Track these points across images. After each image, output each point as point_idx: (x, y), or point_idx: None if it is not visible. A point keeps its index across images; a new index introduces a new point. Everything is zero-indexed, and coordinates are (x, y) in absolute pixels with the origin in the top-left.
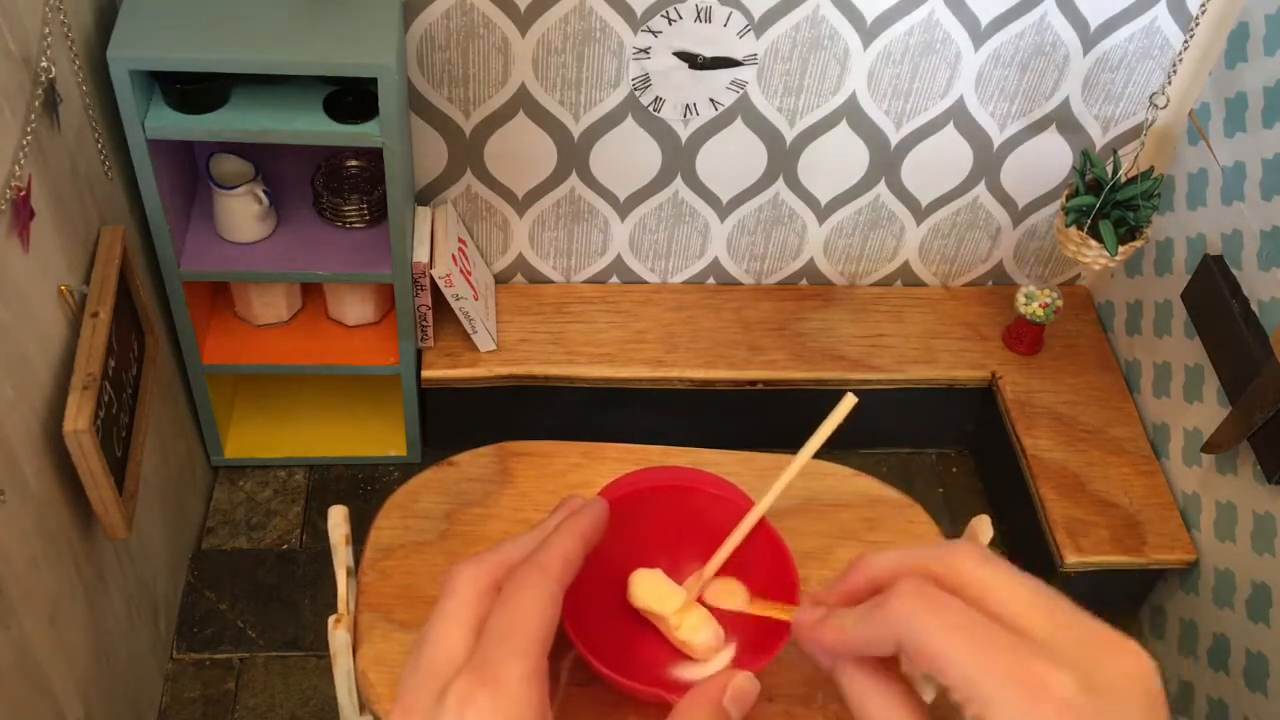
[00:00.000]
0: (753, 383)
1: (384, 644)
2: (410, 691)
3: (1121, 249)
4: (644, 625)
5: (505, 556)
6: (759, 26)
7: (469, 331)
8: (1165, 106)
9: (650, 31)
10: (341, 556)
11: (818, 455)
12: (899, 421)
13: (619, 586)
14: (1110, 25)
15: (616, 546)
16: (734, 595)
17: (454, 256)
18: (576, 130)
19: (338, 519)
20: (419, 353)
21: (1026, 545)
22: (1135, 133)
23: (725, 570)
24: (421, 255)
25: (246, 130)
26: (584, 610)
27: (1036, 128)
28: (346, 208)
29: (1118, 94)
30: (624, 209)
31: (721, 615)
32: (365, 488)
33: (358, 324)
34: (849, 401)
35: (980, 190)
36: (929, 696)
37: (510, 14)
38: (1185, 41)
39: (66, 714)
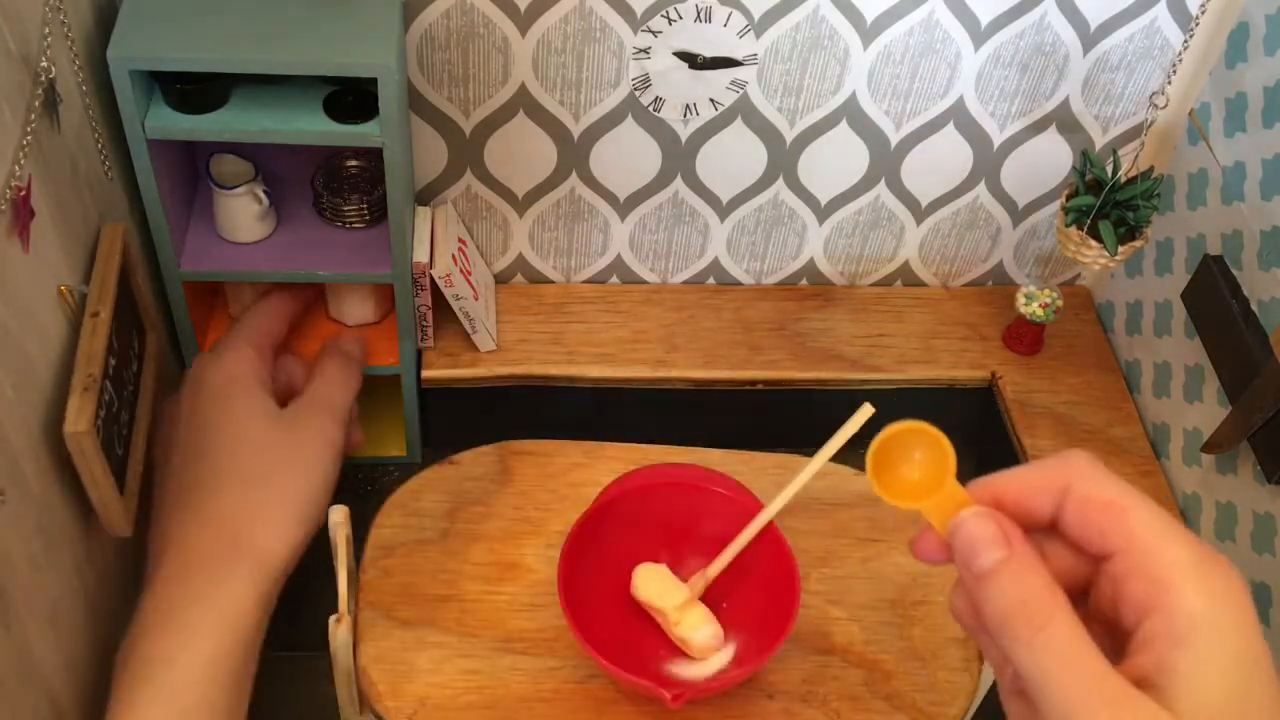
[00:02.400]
0: (753, 383)
1: (385, 642)
2: None
3: (1121, 249)
4: (645, 619)
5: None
6: (759, 26)
7: (469, 331)
8: (1165, 106)
9: (650, 31)
10: (343, 556)
11: (816, 455)
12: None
13: (622, 579)
14: (1110, 25)
15: (623, 540)
16: (701, 628)
17: (454, 256)
18: (576, 130)
19: (339, 519)
20: (419, 353)
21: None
22: (1135, 133)
23: (728, 569)
24: (421, 255)
25: (246, 130)
26: (586, 600)
27: (1036, 128)
28: (346, 208)
29: (1118, 94)
30: (624, 209)
31: (723, 616)
32: (365, 487)
33: (358, 324)
34: (865, 411)
35: (980, 190)
36: None
37: (510, 14)
38: (1185, 41)
39: (66, 714)
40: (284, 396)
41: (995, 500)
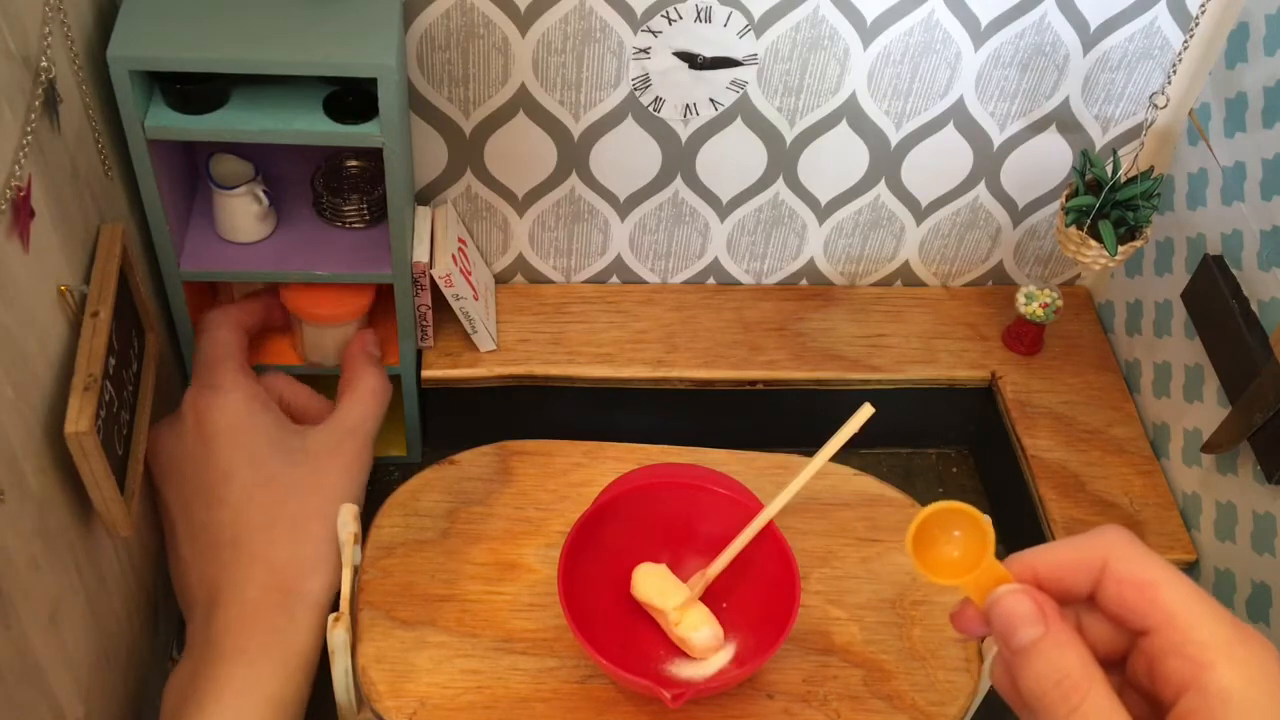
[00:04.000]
0: (753, 383)
1: (384, 642)
2: None
3: (1121, 249)
4: (645, 619)
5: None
6: (759, 26)
7: (469, 331)
8: (1165, 106)
9: (650, 31)
10: (349, 555)
11: (816, 455)
12: (899, 421)
13: (623, 579)
14: (1110, 25)
15: (623, 540)
16: (701, 628)
17: (454, 256)
18: (576, 130)
19: (347, 517)
20: (419, 353)
21: (1026, 545)
22: (1135, 133)
23: (728, 570)
24: (421, 255)
25: (246, 130)
26: (586, 600)
27: (1036, 128)
28: (346, 208)
29: (1118, 94)
30: (624, 209)
31: (723, 616)
32: (366, 487)
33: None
34: (865, 411)
35: (980, 190)
36: None
37: (510, 14)
38: (1185, 41)
39: (66, 714)
40: (287, 414)
41: (1033, 576)
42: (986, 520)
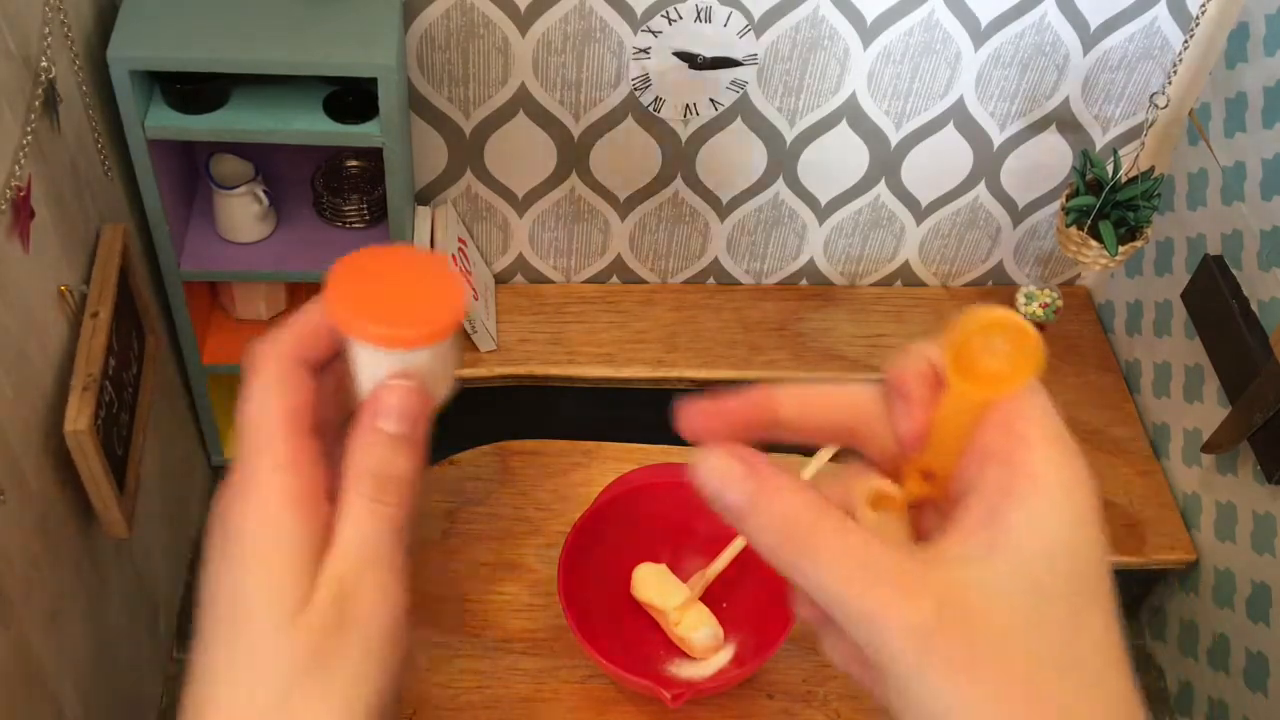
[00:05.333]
0: (753, 383)
1: None
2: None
3: (1121, 249)
4: (645, 619)
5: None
6: (759, 26)
7: (469, 331)
8: (1165, 106)
9: (650, 31)
10: None
11: (816, 455)
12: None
13: (623, 579)
14: (1110, 25)
15: (623, 540)
16: (701, 628)
17: (454, 256)
18: (576, 130)
19: None
20: None
21: None
22: (1135, 133)
23: (728, 569)
24: None
25: (246, 130)
26: (586, 599)
27: (1036, 128)
28: (346, 208)
29: (1118, 94)
30: (624, 209)
31: (723, 616)
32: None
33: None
34: None
35: (980, 190)
36: None
37: (510, 14)
38: (1185, 41)
39: (66, 714)
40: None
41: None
42: (1035, 334)
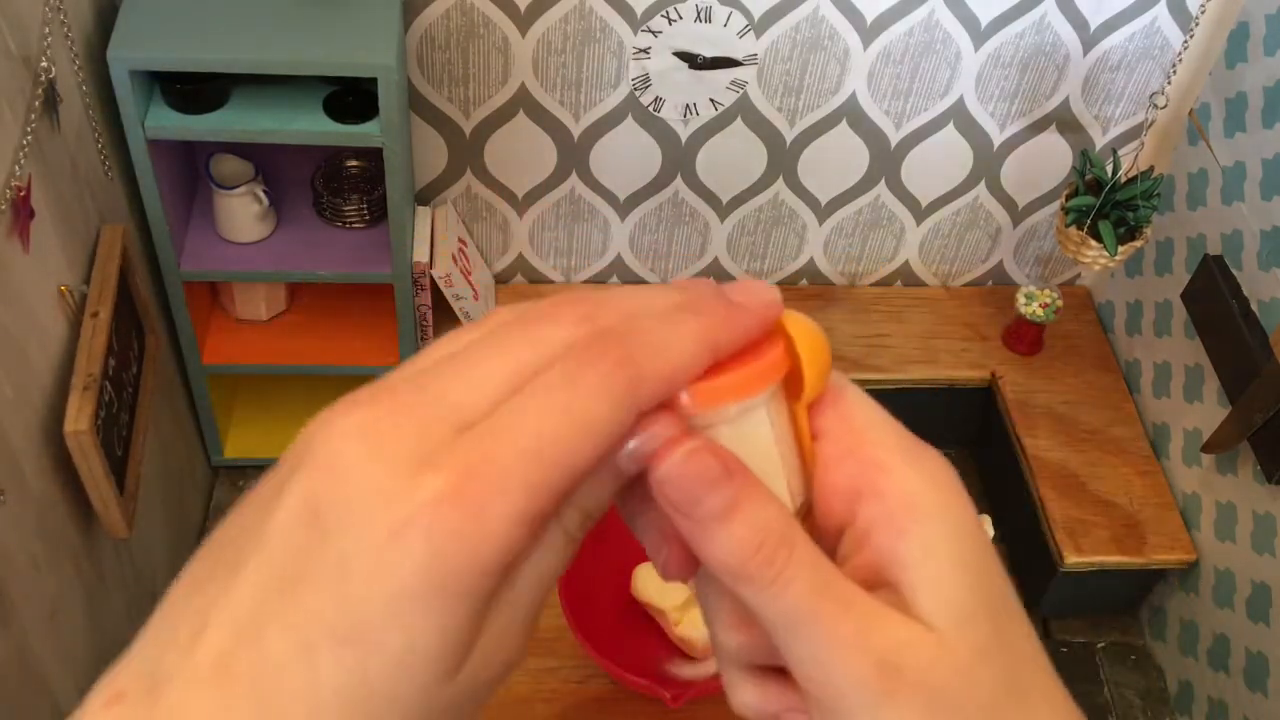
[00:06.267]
0: None
1: None
2: (391, 397)
3: (1121, 249)
4: (645, 619)
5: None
6: (759, 26)
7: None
8: (1165, 106)
9: (650, 31)
10: None
11: None
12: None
13: (623, 579)
14: (1110, 25)
15: (623, 539)
16: (701, 628)
17: (454, 256)
18: (576, 130)
19: None
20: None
21: (1026, 545)
22: (1135, 133)
23: None
24: (421, 255)
25: (246, 130)
26: (586, 600)
27: (1036, 128)
28: (346, 208)
29: (1118, 94)
30: (624, 209)
31: None
32: None
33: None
34: None
35: (980, 190)
36: None
37: (510, 14)
38: (1185, 41)
39: (66, 714)
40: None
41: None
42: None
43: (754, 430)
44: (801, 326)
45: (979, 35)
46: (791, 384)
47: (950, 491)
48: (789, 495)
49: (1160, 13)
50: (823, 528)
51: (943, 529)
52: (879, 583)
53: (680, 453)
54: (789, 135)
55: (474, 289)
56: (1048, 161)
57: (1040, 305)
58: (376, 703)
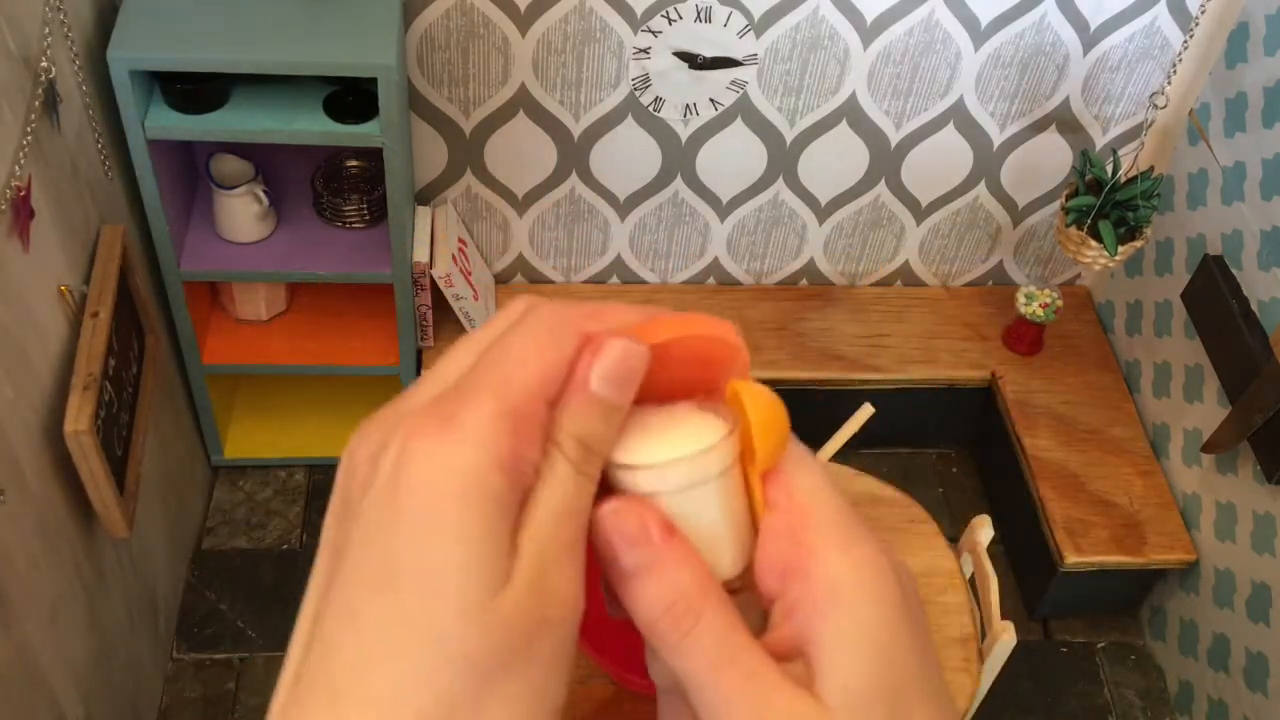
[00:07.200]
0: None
1: None
2: (389, 407)
3: (1121, 249)
4: None
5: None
6: (759, 26)
7: (469, 331)
8: (1165, 106)
9: (650, 31)
10: None
11: (816, 455)
12: (899, 421)
13: None
14: (1110, 25)
15: None
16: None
17: (454, 256)
18: (576, 130)
19: None
20: (419, 353)
21: (1026, 545)
22: (1135, 133)
23: None
24: (421, 255)
25: (246, 130)
26: (586, 600)
27: (1036, 128)
28: (346, 208)
29: (1118, 94)
30: (624, 209)
31: None
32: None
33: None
34: (865, 411)
35: (980, 190)
36: None
37: (510, 14)
38: (1185, 41)
39: (66, 714)
40: None
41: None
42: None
43: (702, 499)
44: (759, 400)
45: (979, 35)
46: (751, 451)
47: (876, 579)
48: (731, 562)
49: (1160, 13)
50: (760, 594)
51: (857, 616)
52: (798, 655)
53: (605, 509)
54: (789, 135)
55: (474, 289)
56: (1048, 161)
57: (1040, 305)
58: (430, 633)
